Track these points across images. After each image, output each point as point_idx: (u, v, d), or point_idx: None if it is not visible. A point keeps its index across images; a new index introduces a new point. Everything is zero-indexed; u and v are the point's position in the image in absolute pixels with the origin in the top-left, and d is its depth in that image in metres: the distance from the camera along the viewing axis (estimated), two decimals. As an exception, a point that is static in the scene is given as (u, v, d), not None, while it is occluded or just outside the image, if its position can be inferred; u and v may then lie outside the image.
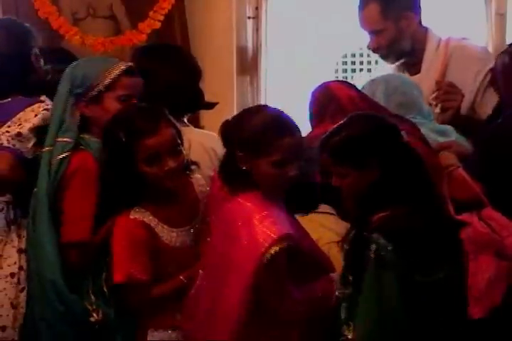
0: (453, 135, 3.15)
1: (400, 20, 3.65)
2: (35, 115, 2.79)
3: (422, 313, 2.35)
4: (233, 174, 2.48)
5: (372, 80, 3.30)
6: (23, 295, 2.77)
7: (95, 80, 2.73)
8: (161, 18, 4.28)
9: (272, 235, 2.36)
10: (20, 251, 2.79)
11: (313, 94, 3.18)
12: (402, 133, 2.48)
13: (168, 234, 2.62)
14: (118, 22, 4.36)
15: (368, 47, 3.76)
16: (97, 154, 2.70)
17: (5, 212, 2.81)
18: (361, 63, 4.80)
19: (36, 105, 2.83)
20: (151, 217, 2.61)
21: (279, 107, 2.56)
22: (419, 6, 3.72)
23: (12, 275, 2.76)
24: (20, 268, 2.78)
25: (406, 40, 3.67)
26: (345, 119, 2.56)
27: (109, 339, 2.67)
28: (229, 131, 2.50)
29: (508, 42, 3.92)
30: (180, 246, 2.64)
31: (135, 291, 2.58)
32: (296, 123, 2.52)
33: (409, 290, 2.33)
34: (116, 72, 2.75)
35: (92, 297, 2.66)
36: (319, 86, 3.20)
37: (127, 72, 2.78)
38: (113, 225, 2.61)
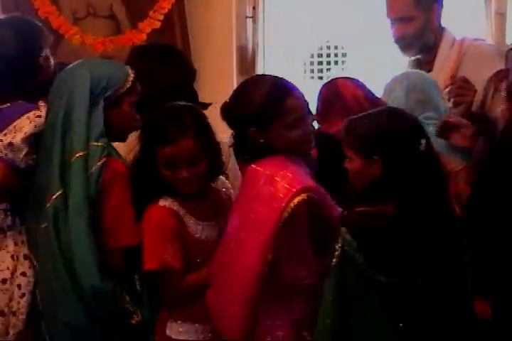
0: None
1: (431, 11, 3.63)
2: (30, 122, 2.75)
3: (381, 313, 2.34)
4: (252, 152, 2.50)
5: (395, 76, 3.31)
6: (23, 301, 2.73)
7: (121, 83, 2.72)
8: (161, 17, 4.28)
9: (293, 189, 2.38)
10: (14, 257, 2.75)
11: (321, 90, 3.19)
12: (423, 141, 2.45)
13: (195, 226, 2.62)
14: (118, 21, 4.36)
15: (394, 36, 3.70)
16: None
17: (0, 219, 2.78)
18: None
19: (32, 112, 2.77)
20: (180, 207, 2.61)
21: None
22: (442, 3, 3.71)
23: (3, 281, 2.73)
24: (23, 274, 2.74)
25: (431, 34, 3.65)
26: (380, 109, 2.59)
27: (145, 339, 2.67)
28: (233, 111, 2.52)
29: (507, 42, 3.93)
30: (205, 240, 2.63)
31: (168, 279, 2.57)
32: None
33: (371, 290, 2.32)
34: (133, 76, 2.76)
35: (127, 297, 2.64)
36: (328, 82, 3.21)
37: None
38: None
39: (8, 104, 2.82)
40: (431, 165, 2.46)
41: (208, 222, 2.65)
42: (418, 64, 3.72)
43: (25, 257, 2.76)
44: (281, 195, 2.37)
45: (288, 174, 2.42)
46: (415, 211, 2.36)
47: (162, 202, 2.60)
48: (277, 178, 2.41)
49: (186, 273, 2.59)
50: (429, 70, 3.63)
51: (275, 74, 2.68)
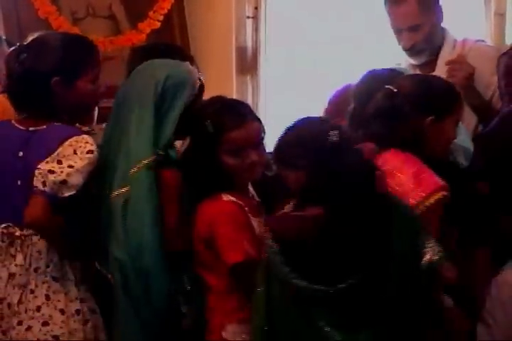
0: (463, 133, 3.13)
1: (434, 14, 3.61)
2: (74, 151, 2.64)
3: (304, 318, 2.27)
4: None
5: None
6: (89, 327, 2.70)
7: (195, 88, 2.74)
8: (161, 18, 4.28)
9: (440, 182, 2.40)
10: (77, 285, 2.71)
11: (334, 94, 3.21)
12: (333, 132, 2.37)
13: (253, 221, 2.60)
14: (117, 22, 4.36)
15: (404, 47, 3.67)
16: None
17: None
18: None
19: (74, 139, 2.66)
20: (239, 202, 2.60)
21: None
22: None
23: (77, 312, 2.68)
24: (83, 300, 2.71)
25: (439, 35, 3.63)
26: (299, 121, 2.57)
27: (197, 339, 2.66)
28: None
29: (507, 42, 3.93)
30: (259, 236, 2.58)
31: (252, 270, 2.46)
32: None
33: (291, 295, 2.26)
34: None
35: (181, 298, 2.65)
36: (343, 85, 3.22)
37: None
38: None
39: (44, 126, 2.73)
40: (348, 157, 2.33)
41: (258, 219, 2.62)
42: (418, 66, 3.70)
43: (82, 282, 2.73)
44: (431, 184, 2.40)
45: (428, 168, 2.46)
46: (344, 212, 2.24)
47: (226, 198, 2.58)
48: (423, 168, 2.45)
49: None
50: (431, 72, 3.62)
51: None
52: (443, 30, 3.68)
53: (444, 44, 3.64)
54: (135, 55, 3.18)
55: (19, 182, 2.68)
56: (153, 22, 4.29)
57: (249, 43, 4.46)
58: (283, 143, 2.50)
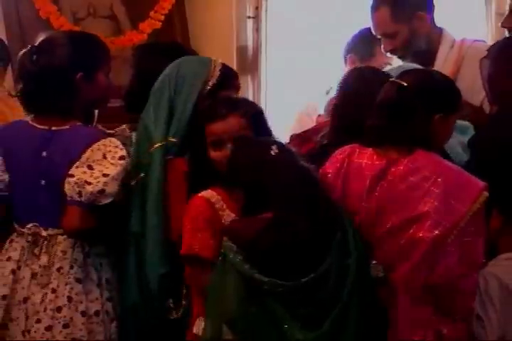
0: (470, 133, 3.14)
1: (412, 20, 3.59)
2: (104, 156, 2.68)
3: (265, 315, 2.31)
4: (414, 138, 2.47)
5: (400, 66, 3.31)
6: (113, 326, 2.73)
7: (211, 79, 2.76)
8: (162, 18, 4.29)
9: (480, 183, 2.39)
10: (100, 284, 2.72)
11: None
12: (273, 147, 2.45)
13: (229, 218, 2.58)
14: (118, 22, 4.36)
15: (384, 50, 3.70)
16: None
17: (80, 245, 2.72)
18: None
19: (101, 142, 2.70)
20: (218, 197, 2.59)
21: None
22: (432, 5, 3.66)
23: (97, 313, 2.69)
24: (109, 299, 2.72)
25: (421, 40, 3.62)
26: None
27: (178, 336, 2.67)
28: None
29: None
30: None
31: (194, 266, 2.56)
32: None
33: (253, 291, 2.29)
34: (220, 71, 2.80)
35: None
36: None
37: None
38: None
39: (67, 126, 2.74)
40: (290, 170, 2.42)
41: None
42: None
43: (107, 281, 2.75)
44: (478, 183, 2.39)
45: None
46: (288, 217, 2.33)
47: (204, 193, 2.59)
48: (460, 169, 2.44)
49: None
50: None
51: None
52: (440, 30, 3.68)
53: (442, 44, 3.64)
54: (143, 52, 3.19)
55: (43, 182, 2.70)
56: (154, 22, 4.30)
57: (250, 43, 4.47)
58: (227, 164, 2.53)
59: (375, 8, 3.59)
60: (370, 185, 2.43)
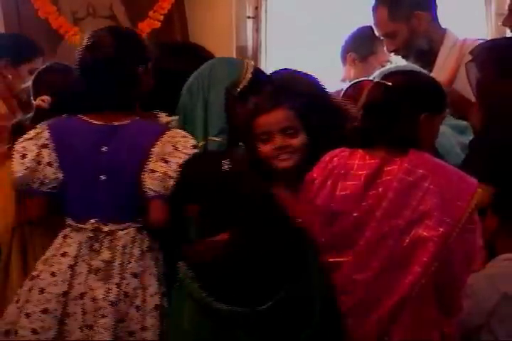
0: (469, 134, 3.14)
1: (411, 20, 3.59)
2: (175, 147, 2.68)
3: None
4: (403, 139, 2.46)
5: (398, 66, 3.32)
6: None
7: (243, 79, 2.76)
8: (161, 17, 4.29)
9: (474, 181, 2.39)
10: (158, 279, 2.72)
11: (346, 89, 3.21)
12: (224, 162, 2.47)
13: None
14: (118, 22, 4.36)
15: (387, 51, 3.70)
16: None
17: (139, 239, 2.72)
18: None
19: (168, 134, 2.71)
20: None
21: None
22: (432, 4, 3.64)
23: (156, 307, 2.67)
24: (164, 294, 2.70)
25: (421, 39, 3.61)
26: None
27: None
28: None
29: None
30: None
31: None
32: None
33: (209, 318, 2.30)
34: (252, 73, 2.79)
35: None
36: (355, 81, 3.23)
37: None
38: None
39: (128, 121, 2.73)
40: (243, 187, 2.43)
41: None
42: (420, 66, 3.70)
43: (164, 276, 2.73)
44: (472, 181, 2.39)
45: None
46: (246, 236, 2.33)
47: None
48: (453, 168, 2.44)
49: None
50: (430, 71, 3.62)
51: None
52: (444, 32, 3.67)
53: (444, 44, 3.63)
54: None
55: (103, 177, 2.69)
56: (153, 22, 4.30)
57: (250, 43, 4.47)
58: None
59: (374, 9, 3.60)
60: (365, 183, 2.40)
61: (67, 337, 2.63)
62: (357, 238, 2.36)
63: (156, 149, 2.67)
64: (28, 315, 2.63)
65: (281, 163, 2.56)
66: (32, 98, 3.01)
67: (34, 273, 2.69)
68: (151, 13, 4.29)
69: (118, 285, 2.64)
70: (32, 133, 2.73)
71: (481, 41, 3.67)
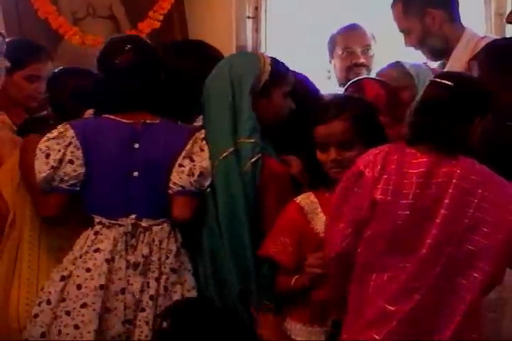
0: None
1: (424, 17, 3.59)
2: (200, 148, 2.74)
3: None
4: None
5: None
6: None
7: (263, 73, 2.74)
8: (161, 18, 4.29)
9: None
10: (193, 274, 2.76)
11: (347, 86, 3.22)
12: None
13: (319, 221, 2.60)
14: (118, 22, 4.37)
15: (406, 46, 3.68)
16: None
17: (174, 235, 2.76)
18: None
19: (197, 136, 2.76)
20: (313, 200, 2.62)
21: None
22: (451, 4, 3.65)
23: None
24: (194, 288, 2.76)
25: (435, 38, 3.59)
26: None
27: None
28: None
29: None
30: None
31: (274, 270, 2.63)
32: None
33: None
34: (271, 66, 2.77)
35: None
36: (356, 79, 3.24)
37: None
38: None
39: (158, 121, 2.79)
40: None
41: None
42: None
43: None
44: None
45: None
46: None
47: (301, 197, 2.64)
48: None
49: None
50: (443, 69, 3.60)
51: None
52: (460, 30, 3.64)
53: (460, 42, 3.61)
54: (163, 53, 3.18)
55: (136, 174, 2.72)
56: (153, 22, 4.30)
57: (250, 43, 4.47)
58: None
59: (392, 4, 3.63)
60: (418, 182, 2.35)
61: (108, 332, 2.65)
62: (414, 243, 2.33)
63: (188, 147, 2.72)
64: (68, 313, 2.65)
65: (334, 174, 2.58)
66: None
67: (64, 273, 2.70)
68: (151, 13, 4.29)
69: (157, 279, 2.67)
70: (55, 132, 2.74)
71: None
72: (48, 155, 2.71)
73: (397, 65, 3.25)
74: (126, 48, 2.78)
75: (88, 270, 2.67)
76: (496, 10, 4.23)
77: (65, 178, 2.71)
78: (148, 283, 2.67)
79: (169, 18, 4.30)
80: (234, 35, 4.41)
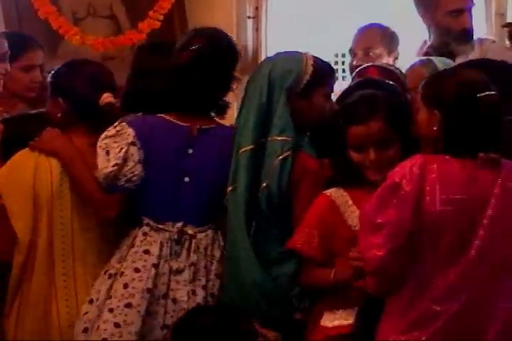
0: None
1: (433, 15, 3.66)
2: None
3: None
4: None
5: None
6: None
7: (304, 74, 2.71)
8: (161, 17, 4.28)
9: None
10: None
11: (354, 75, 3.23)
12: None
13: (353, 214, 2.56)
14: (118, 22, 4.36)
15: (466, 28, 3.66)
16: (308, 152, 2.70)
17: (217, 240, 2.75)
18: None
19: None
20: (344, 194, 2.58)
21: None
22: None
23: (212, 295, 2.71)
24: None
25: (435, 36, 3.68)
26: None
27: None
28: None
29: (507, 43, 3.92)
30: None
31: (303, 265, 2.61)
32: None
33: None
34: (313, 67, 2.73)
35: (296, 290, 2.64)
36: (360, 68, 3.25)
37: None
38: None
39: (214, 125, 2.77)
40: None
41: None
42: None
43: None
44: None
45: None
46: None
47: (330, 191, 2.59)
48: None
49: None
50: None
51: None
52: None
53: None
54: (142, 53, 3.17)
55: (187, 179, 2.71)
56: (153, 22, 4.29)
57: (250, 43, 4.47)
58: None
59: None
60: (462, 187, 2.32)
61: (147, 335, 2.65)
62: (462, 245, 2.30)
63: None
64: (111, 310, 2.64)
65: (372, 175, 2.54)
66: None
67: (112, 272, 2.69)
68: (151, 13, 4.28)
69: (204, 287, 2.67)
70: (113, 130, 2.71)
71: (496, 43, 3.67)
72: (107, 153, 2.68)
73: (428, 63, 3.21)
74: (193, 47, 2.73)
75: (137, 270, 2.66)
76: (496, 10, 4.23)
77: (133, 179, 2.69)
78: (194, 291, 2.66)
79: (169, 18, 4.29)
80: (234, 35, 4.39)
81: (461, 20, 3.61)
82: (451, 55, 3.34)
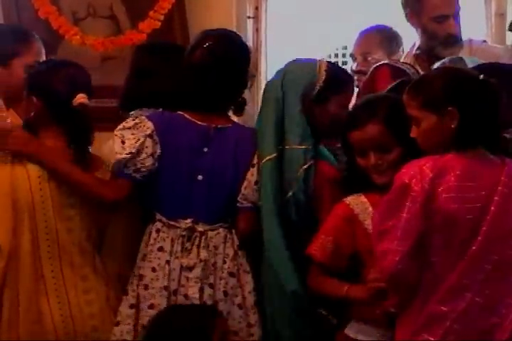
0: None
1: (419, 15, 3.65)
2: None
3: None
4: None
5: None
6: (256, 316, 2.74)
7: (318, 80, 2.72)
8: (161, 17, 4.28)
9: None
10: (253, 276, 2.76)
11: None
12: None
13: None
14: (118, 22, 4.36)
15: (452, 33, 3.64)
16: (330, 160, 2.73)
17: (230, 239, 2.76)
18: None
19: None
20: (364, 201, 2.58)
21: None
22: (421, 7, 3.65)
23: (255, 303, 2.73)
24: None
25: (422, 38, 3.68)
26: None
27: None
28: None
29: (507, 43, 3.92)
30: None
31: (312, 269, 2.62)
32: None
33: None
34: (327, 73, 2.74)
35: None
36: (377, 65, 3.26)
37: None
38: None
39: (230, 124, 2.78)
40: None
41: None
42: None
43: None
44: None
45: None
46: None
47: (350, 199, 2.59)
48: None
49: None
50: None
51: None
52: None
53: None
54: (140, 53, 3.18)
55: (200, 177, 2.72)
56: (153, 22, 4.29)
57: (250, 43, 4.46)
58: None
59: None
60: (471, 186, 2.32)
61: None
62: (467, 242, 2.30)
63: (255, 158, 2.73)
64: (138, 312, 2.70)
65: (377, 179, 2.55)
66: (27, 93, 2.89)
67: (136, 273, 2.72)
68: (151, 12, 4.28)
69: (211, 285, 2.68)
70: (131, 122, 2.74)
71: (486, 43, 3.67)
72: (123, 142, 2.70)
73: (459, 62, 3.20)
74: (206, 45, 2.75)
75: (154, 270, 2.69)
76: (496, 10, 4.23)
77: (142, 170, 2.70)
78: (202, 288, 2.67)
79: (170, 18, 4.29)
80: (234, 35, 4.40)
81: (446, 26, 3.58)
82: (438, 59, 3.33)
